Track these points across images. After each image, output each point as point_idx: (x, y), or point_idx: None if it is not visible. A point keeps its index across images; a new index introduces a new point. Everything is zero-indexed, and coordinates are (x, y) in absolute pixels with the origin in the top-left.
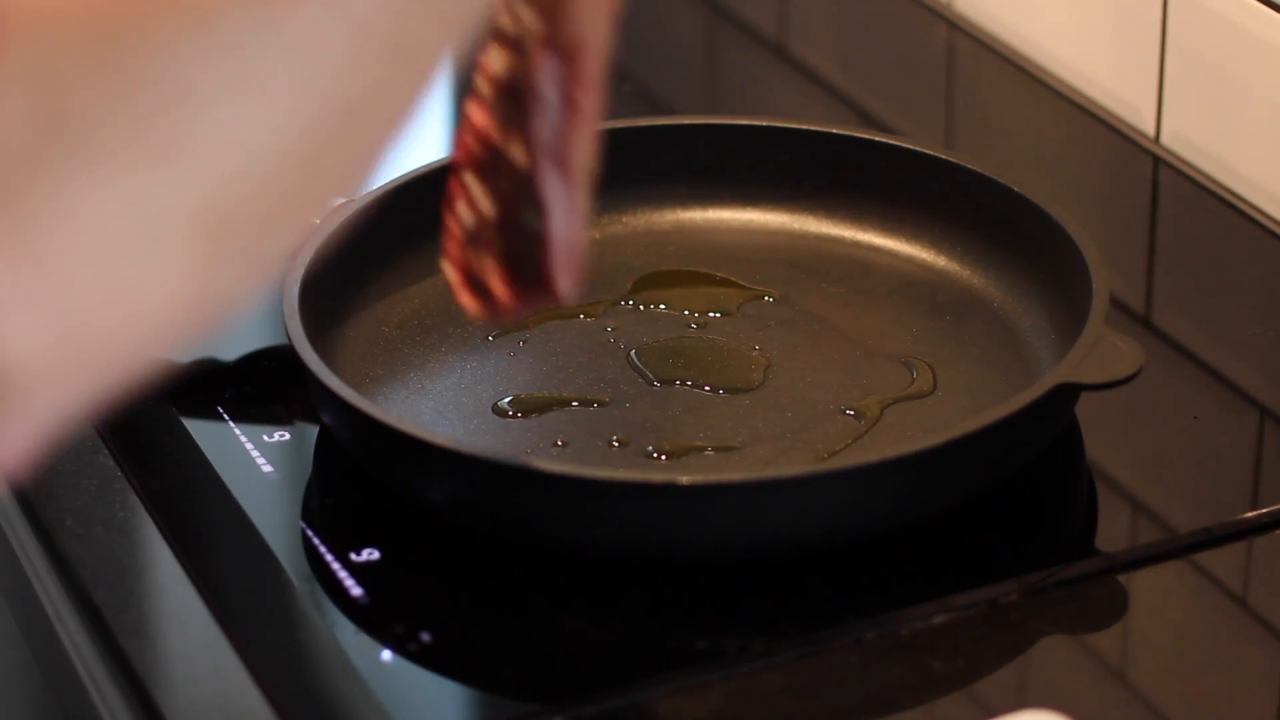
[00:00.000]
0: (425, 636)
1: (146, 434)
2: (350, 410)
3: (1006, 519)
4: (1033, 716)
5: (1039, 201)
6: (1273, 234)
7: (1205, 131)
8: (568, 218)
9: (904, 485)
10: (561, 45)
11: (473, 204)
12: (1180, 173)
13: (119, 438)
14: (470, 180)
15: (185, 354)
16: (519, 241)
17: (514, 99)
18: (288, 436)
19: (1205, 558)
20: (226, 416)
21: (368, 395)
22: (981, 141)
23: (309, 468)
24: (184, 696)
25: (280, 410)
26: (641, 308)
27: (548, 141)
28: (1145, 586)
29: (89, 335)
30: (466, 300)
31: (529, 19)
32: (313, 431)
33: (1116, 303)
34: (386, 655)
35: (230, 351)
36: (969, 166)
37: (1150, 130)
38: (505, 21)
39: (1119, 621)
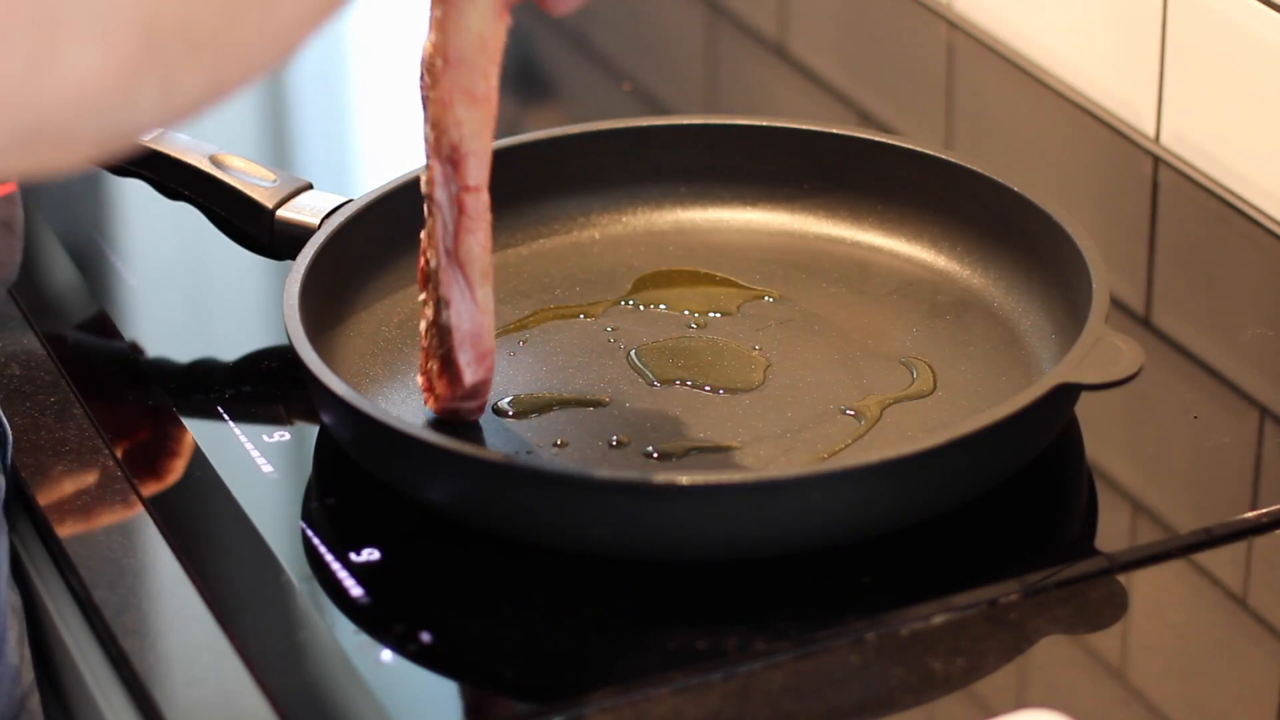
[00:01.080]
0: (425, 636)
1: (146, 434)
2: (350, 410)
3: (1006, 519)
4: (1033, 716)
5: (1039, 201)
6: (1273, 234)
7: (1205, 131)
8: (468, 311)
9: (904, 485)
10: (444, 153)
11: (424, 311)
12: (1180, 173)
13: (119, 437)
14: (423, 291)
15: (184, 352)
16: (441, 338)
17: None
18: (288, 436)
19: (1205, 558)
20: (226, 416)
21: (368, 395)
22: (981, 141)
23: (309, 468)
24: (184, 696)
25: (280, 410)
26: (641, 308)
27: (444, 241)
28: (1145, 586)
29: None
30: (425, 397)
31: (425, 131)
32: (313, 431)
33: (1116, 303)
34: (386, 655)
35: (230, 351)
36: (969, 166)
37: (1150, 130)
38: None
39: (1119, 621)
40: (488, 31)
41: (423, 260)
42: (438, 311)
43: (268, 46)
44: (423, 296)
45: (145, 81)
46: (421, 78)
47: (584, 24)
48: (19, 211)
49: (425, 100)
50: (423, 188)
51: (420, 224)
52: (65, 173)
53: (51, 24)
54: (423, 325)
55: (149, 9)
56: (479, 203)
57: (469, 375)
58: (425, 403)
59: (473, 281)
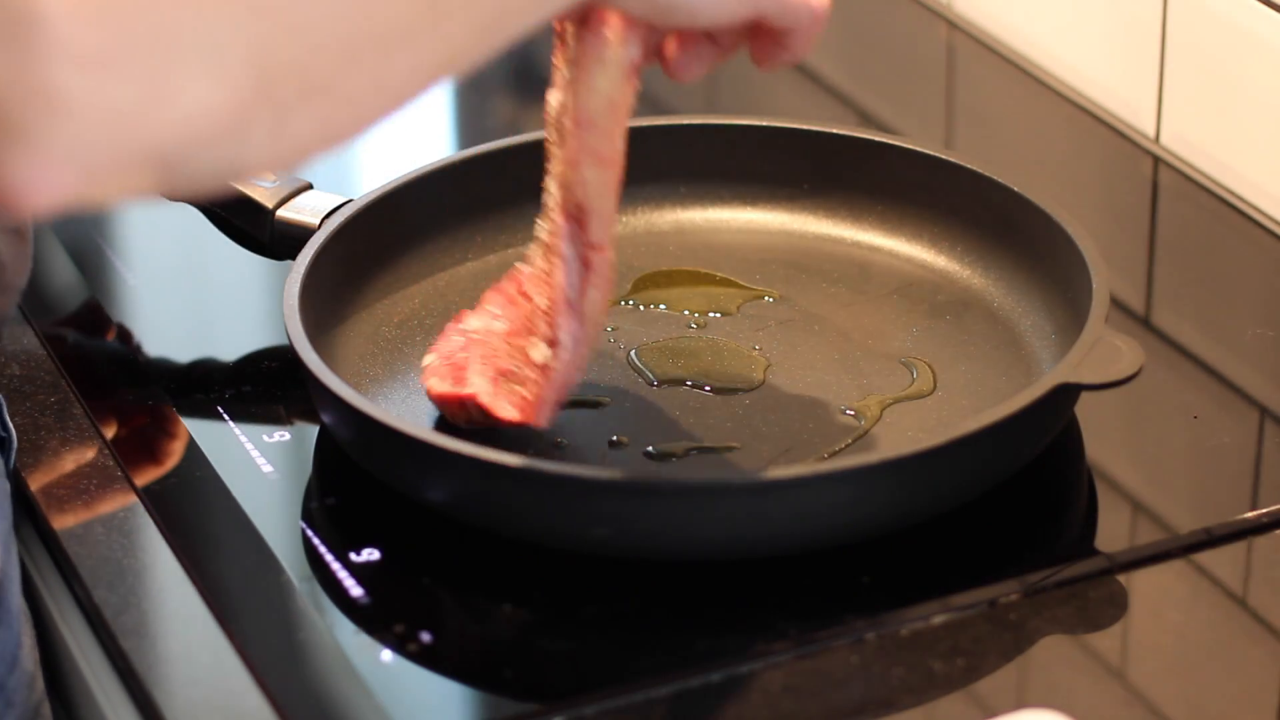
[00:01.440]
0: (425, 636)
1: (146, 434)
2: (350, 410)
3: (1006, 519)
4: (1033, 716)
5: (1039, 201)
6: (1273, 234)
7: (1205, 131)
8: (575, 362)
9: (904, 485)
10: (569, 210)
11: (507, 336)
12: (1180, 173)
13: (119, 437)
14: (503, 314)
15: (184, 352)
16: (523, 370)
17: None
18: (288, 436)
19: (1205, 558)
20: (226, 416)
21: (368, 395)
22: (981, 141)
23: (309, 468)
24: (184, 696)
25: (280, 410)
26: (641, 308)
27: (568, 291)
28: (1145, 586)
29: None
30: (440, 382)
31: (552, 188)
32: (313, 431)
33: (1116, 303)
34: (386, 655)
35: (230, 351)
36: (969, 166)
37: (1150, 130)
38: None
39: (1119, 621)
40: (617, 94)
41: (518, 285)
42: (541, 347)
43: (380, 98)
44: (498, 317)
45: (257, 119)
46: (546, 132)
47: None
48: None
49: (549, 154)
50: (543, 235)
51: (420, 224)
52: (173, 200)
53: (170, 55)
54: (484, 337)
55: (265, 49)
56: (604, 261)
57: (541, 418)
58: (426, 380)
59: (590, 335)
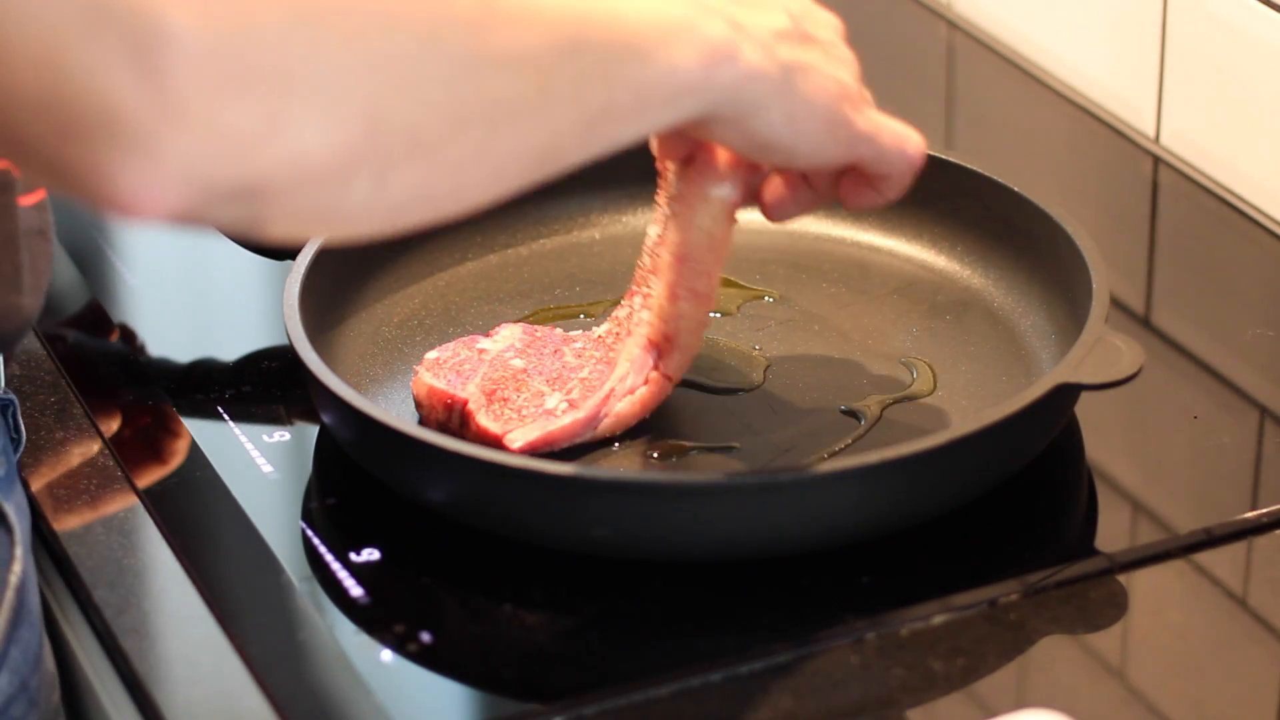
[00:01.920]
0: (425, 636)
1: (146, 434)
2: (350, 410)
3: (1006, 519)
4: (1033, 716)
5: (1039, 201)
6: (1273, 234)
7: (1205, 131)
8: (573, 430)
9: (904, 485)
10: (655, 338)
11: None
12: (1180, 173)
13: (119, 437)
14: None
15: (184, 352)
16: (519, 402)
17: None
18: (288, 436)
19: (1205, 558)
20: (226, 416)
21: (368, 395)
22: (981, 141)
23: (309, 468)
24: (184, 696)
25: (280, 410)
26: None
27: (614, 382)
28: (1145, 586)
29: None
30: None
31: (636, 302)
32: (313, 431)
33: (1116, 303)
34: (386, 655)
35: (230, 351)
36: (969, 166)
37: (1150, 130)
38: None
39: (1119, 621)
40: (718, 233)
41: (563, 340)
42: (556, 397)
43: (481, 172)
44: (519, 354)
45: (362, 169)
46: (640, 259)
47: None
48: (50, 217)
49: (639, 278)
50: (615, 326)
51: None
52: (269, 238)
53: (289, 90)
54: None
55: (379, 101)
56: (661, 388)
57: (514, 444)
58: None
59: (602, 429)
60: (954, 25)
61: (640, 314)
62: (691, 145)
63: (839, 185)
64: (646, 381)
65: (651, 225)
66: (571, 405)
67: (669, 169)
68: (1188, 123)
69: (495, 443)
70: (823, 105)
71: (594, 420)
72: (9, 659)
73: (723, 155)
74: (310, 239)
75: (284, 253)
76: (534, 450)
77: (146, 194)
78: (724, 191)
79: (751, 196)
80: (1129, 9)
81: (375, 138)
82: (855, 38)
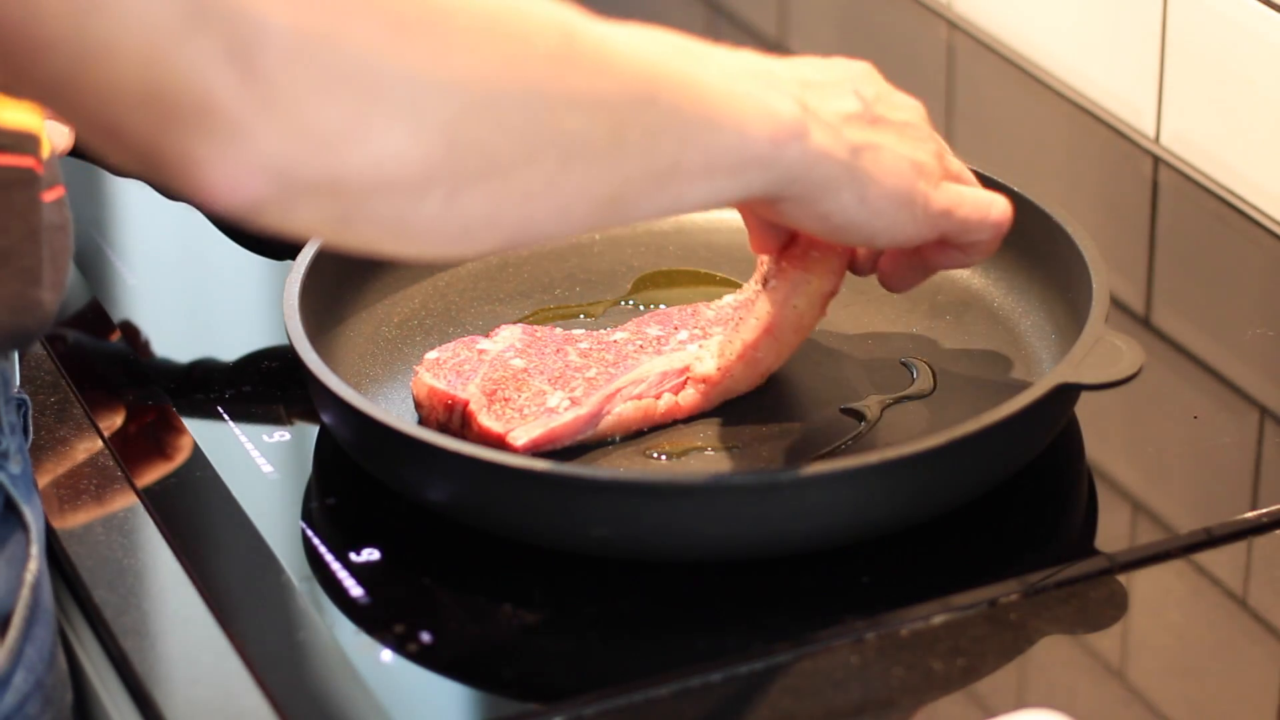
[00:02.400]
0: (425, 636)
1: (146, 434)
2: (350, 410)
3: (1006, 519)
4: (1033, 716)
5: (1039, 201)
6: (1273, 234)
7: (1205, 131)
8: (575, 427)
9: (904, 485)
10: (697, 376)
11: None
12: (1180, 173)
13: (119, 437)
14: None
15: (184, 352)
16: (520, 401)
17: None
18: (288, 436)
19: (1205, 558)
20: (226, 416)
21: (368, 395)
22: (981, 141)
23: (309, 468)
24: (184, 696)
25: (280, 410)
26: (641, 308)
27: (628, 389)
28: (1145, 586)
29: None
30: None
31: (692, 337)
32: (313, 431)
33: (1116, 303)
34: (386, 655)
35: (230, 351)
36: (969, 166)
37: (1150, 130)
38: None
39: (1119, 621)
40: (808, 316)
41: (566, 339)
42: (558, 396)
43: (548, 204)
44: (520, 354)
45: (437, 183)
46: (724, 302)
47: None
48: (69, 214)
49: (696, 312)
50: (648, 333)
51: None
52: (332, 245)
53: (376, 96)
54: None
55: (461, 120)
56: (669, 414)
57: (518, 441)
58: (422, 371)
59: (602, 428)
60: (954, 25)
61: (688, 345)
62: (786, 236)
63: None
64: (657, 397)
65: (748, 286)
66: (574, 403)
67: (766, 259)
68: (1188, 123)
69: (498, 442)
70: (894, 185)
71: (596, 417)
72: (24, 657)
73: (824, 248)
74: (382, 252)
75: (284, 252)
76: (537, 447)
77: (232, 182)
78: (823, 284)
79: (870, 266)
80: (1129, 9)
81: (452, 154)
82: (855, 38)
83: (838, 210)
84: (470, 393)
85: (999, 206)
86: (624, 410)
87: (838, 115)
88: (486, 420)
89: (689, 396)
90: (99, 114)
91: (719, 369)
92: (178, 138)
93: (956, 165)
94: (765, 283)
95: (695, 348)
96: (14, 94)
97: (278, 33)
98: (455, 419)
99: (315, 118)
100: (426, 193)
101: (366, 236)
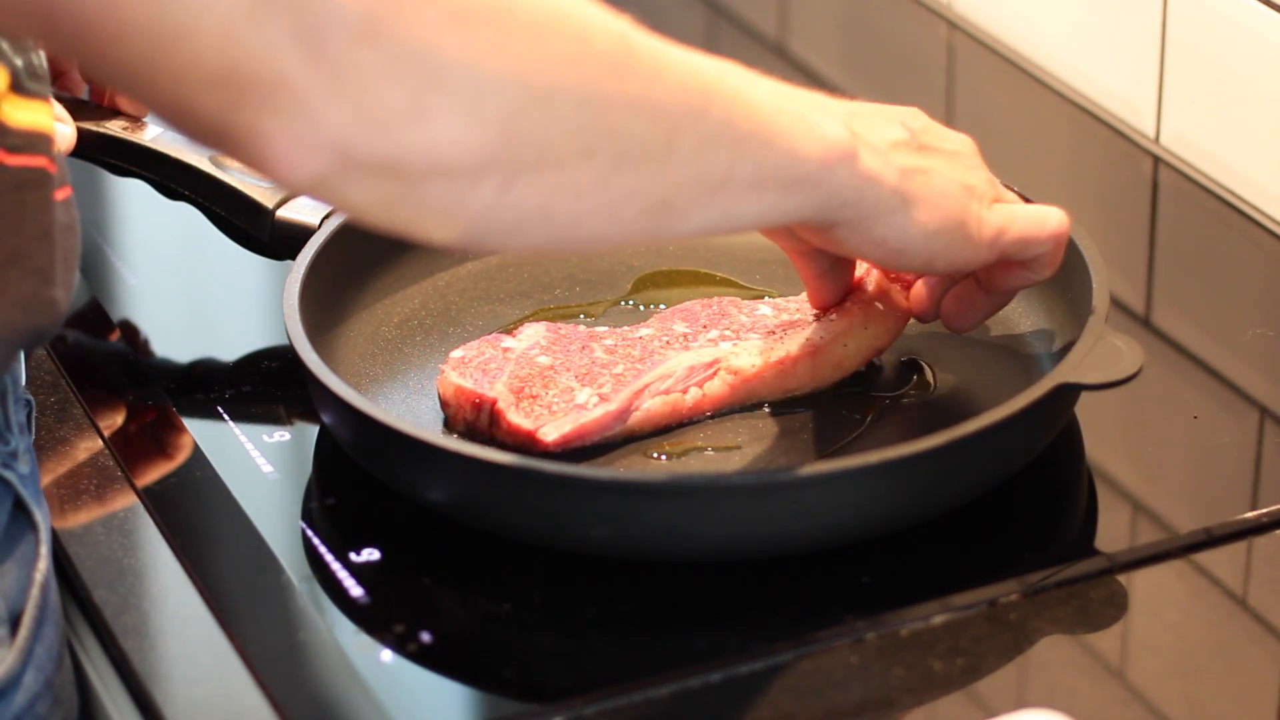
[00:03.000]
0: (425, 636)
1: (146, 434)
2: (350, 410)
3: (1006, 519)
4: (1033, 716)
5: (1039, 202)
6: (1273, 234)
7: (1205, 131)
8: (603, 422)
9: (904, 485)
10: (733, 382)
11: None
12: (1180, 173)
13: (119, 437)
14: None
15: (184, 352)
16: (548, 398)
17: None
18: (288, 436)
19: (1205, 558)
20: (226, 416)
21: (368, 395)
22: (981, 141)
23: (309, 468)
24: (184, 696)
25: (280, 410)
26: (641, 308)
27: (656, 383)
28: (1145, 586)
29: None
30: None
31: (706, 340)
32: (313, 431)
33: (1116, 303)
34: (386, 655)
35: (230, 351)
36: None
37: (1150, 130)
38: None
39: (1119, 621)
40: (850, 360)
41: (592, 336)
42: (587, 393)
43: (599, 203)
44: (545, 350)
45: (492, 171)
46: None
47: None
48: (76, 213)
49: (723, 313)
50: (663, 333)
51: None
52: (401, 230)
53: (438, 81)
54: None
55: (519, 111)
56: (696, 409)
57: (548, 435)
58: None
59: (630, 424)
60: (954, 25)
61: (720, 342)
62: (843, 289)
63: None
64: (684, 391)
65: (791, 301)
66: (603, 399)
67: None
68: (1188, 123)
69: (528, 439)
70: (946, 207)
71: (625, 413)
72: (34, 656)
73: (888, 298)
74: (433, 239)
75: (284, 252)
76: (567, 443)
77: (296, 156)
78: (874, 334)
79: (934, 307)
80: (1129, 9)
81: (508, 145)
82: (855, 38)
83: (892, 235)
84: (498, 391)
85: (1055, 217)
86: (652, 406)
87: (886, 142)
88: (515, 418)
89: (715, 388)
90: (174, 95)
91: (753, 367)
92: (248, 115)
93: (1009, 196)
94: (825, 311)
95: (729, 345)
96: (93, 77)
97: (345, 16)
98: (484, 417)
99: (377, 99)
100: (481, 180)
101: (419, 220)
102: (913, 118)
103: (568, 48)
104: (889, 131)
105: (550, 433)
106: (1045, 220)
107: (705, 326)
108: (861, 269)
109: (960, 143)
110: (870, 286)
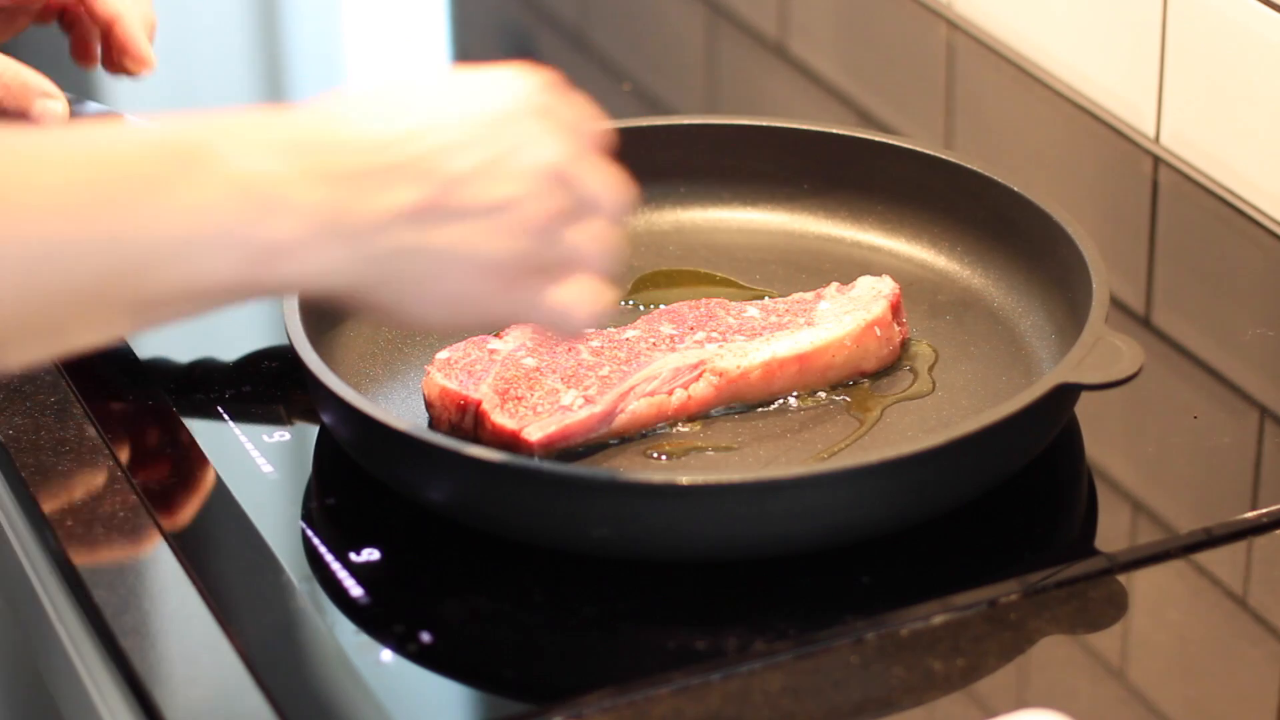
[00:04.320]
0: (425, 636)
1: (147, 434)
2: (350, 410)
3: (1006, 519)
4: (1033, 716)
5: (1039, 201)
6: (1273, 234)
7: (1205, 131)
8: (589, 423)
9: (904, 485)
10: (725, 383)
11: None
12: (1180, 173)
13: (119, 437)
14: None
15: (184, 352)
16: (533, 399)
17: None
18: (288, 436)
19: (1205, 558)
20: (226, 416)
21: (368, 395)
22: (981, 141)
23: (309, 468)
24: (184, 696)
25: (280, 410)
26: (642, 308)
27: (641, 384)
28: (1145, 586)
29: None
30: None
31: (697, 343)
32: (313, 431)
33: (1116, 303)
34: (386, 655)
35: (230, 351)
36: (969, 166)
37: (1150, 130)
38: None
39: (1119, 621)
40: (837, 372)
41: (582, 340)
42: (571, 394)
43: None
44: (531, 353)
45: None
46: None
47: (584, 24)
48: None
49: (711, 314)
50: (650, 334)
51: None
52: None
53: None
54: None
55: None
56: (682, 409)
57: (532, 435)
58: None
59: (618, 425)
60: (954, 25)
61: (706, 344)
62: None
63: None
64: (670, 393)
65: (777, 300)
66: (588, 401)
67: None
68: (1188, 123)
69: (512, 439)
70: (441, 292)
71: (610, 415)
72: None
73: (870, 330)
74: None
75: None
76: (551, 444)
77: None
78: (864, 363)
79: None
80: (1129, 9)
81: None
82: (855, 38)
83: (392, 313)
84: (483, 392)
85: (583, 310)
86: (638, 407)
87: (384, 214)
88: (500, 418)
89: (701, 390)
90: None
91: (739, 369)
92: None
93: (586, 233)
94: (831, 318)
95: (714, 347)
96: None
97: None
98: (468, 419)
99: None
100: None
101: None
102: (506, 125)
103: None
104: (397, 195)
105: (534, 432)
106: (570, 313)
107: (692, 328)
108: (880, 291)
109: (527, 177)
110: (876, 312)
